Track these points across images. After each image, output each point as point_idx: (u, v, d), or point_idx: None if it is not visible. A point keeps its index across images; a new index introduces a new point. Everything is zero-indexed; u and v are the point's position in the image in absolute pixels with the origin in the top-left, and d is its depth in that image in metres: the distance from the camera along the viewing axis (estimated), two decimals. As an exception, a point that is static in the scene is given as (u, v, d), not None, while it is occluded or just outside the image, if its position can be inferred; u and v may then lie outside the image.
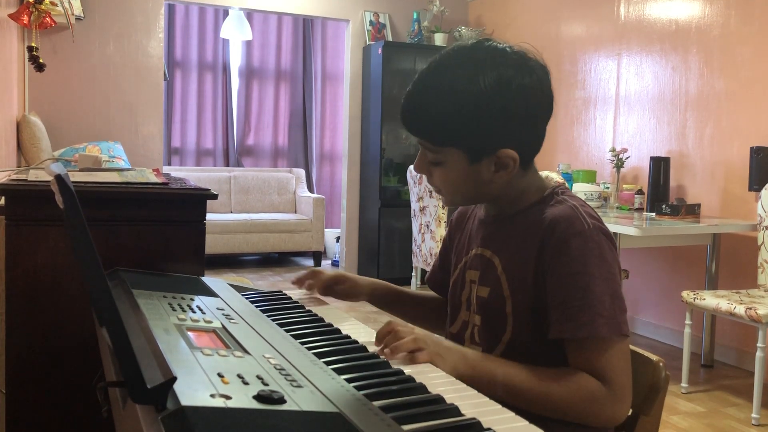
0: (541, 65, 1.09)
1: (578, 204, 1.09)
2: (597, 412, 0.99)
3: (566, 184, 1.23)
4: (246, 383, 0.72)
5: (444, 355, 0.98)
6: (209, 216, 2.07)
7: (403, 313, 1.41)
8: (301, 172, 7.09)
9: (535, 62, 1.08)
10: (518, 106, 1.05)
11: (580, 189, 4.09)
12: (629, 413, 1.09)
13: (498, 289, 1.11)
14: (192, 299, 1.17)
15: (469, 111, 1.04)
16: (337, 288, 1.37)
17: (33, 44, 3.36)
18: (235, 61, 7.01)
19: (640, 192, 4.10)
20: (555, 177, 3.95)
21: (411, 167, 4.66)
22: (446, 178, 1.12)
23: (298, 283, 1.41)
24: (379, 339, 1.00)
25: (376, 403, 0.74)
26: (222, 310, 1.12)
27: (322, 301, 1.36)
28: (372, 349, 0.97)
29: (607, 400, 0.98)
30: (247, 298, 1.27)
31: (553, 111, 1.11)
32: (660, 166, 3.99)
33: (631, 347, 1.10)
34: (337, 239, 6.48)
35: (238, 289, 1.36)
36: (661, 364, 1.09)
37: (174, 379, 0.66)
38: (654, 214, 3.77)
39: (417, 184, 4.52)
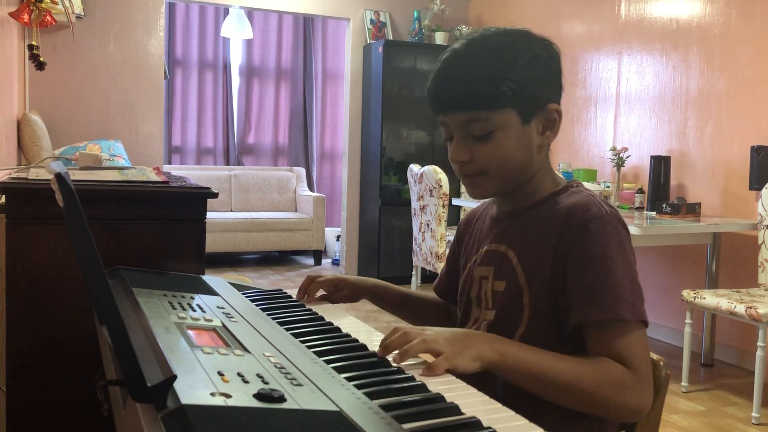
0: None
1: (594, 194, 1.11)
2: (625, 401, 0.96)
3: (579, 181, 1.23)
4: (246, 382, 0.72)
5: (462, 351, 0.92)
6: (210, 215, 2.07)
7: (405, 312, 1.40)
8: (302, 170, 7.09)
9: None
10: (558, 67, 1.12)
11: (580, 188, 4.09)
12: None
13: (514, 281, 1.10)
14: (192, 298, 1.17)
15: (524, 66, 1.07)
16: (337, 296, 1.34)
17: (33, 43, 3.36)
18: (236, 59, 7.01)
19: (640, 191, 4.10)
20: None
21: (411, 166, 4.66)
22: (498, 149, 1.08)
23: (305, 294, 1.34)
24: (385, 343, 0.93)
25: (377, 402, 0.74)
26: (222, 308, 1.12)
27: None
28: (372, 348, 0.97)
29: (635, 387, 0.96)
30: (247, 297, 1.27)
31: None
32: (660, 165, 3.99)
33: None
34: (338, 238, 6.48)
35: (239, 287, 1.36)
36: (661, 363, 1.09)
37: (174, 377, 0.66)
38: (654, 213, 3.77)
39: (417, 183, 4.51)
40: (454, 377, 0.88)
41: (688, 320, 3.20)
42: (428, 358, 0.93)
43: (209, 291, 1.26)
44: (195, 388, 0.67)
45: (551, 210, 1.10)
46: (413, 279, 5.17)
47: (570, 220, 1.05)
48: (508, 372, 0.96)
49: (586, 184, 4.10)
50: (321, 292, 1.35)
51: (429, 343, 0.92)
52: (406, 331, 0.93)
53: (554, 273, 1.05)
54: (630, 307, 0.99)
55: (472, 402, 0.79)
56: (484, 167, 1.10)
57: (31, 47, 3.36)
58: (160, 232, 1.54)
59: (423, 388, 0.82)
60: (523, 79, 1.06)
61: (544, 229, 1.09)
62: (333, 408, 0.70)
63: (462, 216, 4.41)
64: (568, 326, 1.03)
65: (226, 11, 6.59)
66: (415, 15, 5.82)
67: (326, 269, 6.40)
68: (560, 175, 1.20)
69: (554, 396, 0.97)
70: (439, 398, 0.78)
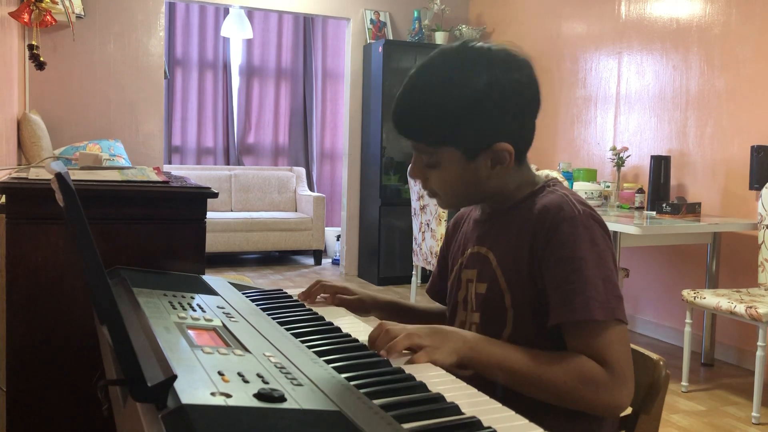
0: (526, 60, 1.11)
1: (568, 193, 1.10)
2: (597, 397, 0.97)
3: (558, 179, 1.22)
4: (246, 381, 0.72)
5: (441, 345, 0.97)
6: (210, 214, 2.07)
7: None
8: (302, 170, 7.09)
9: (520, 58, 1.10)
10: (511, 100, 1.07)
11: (580, 188, 4.09)
12: (629, 407, 1.09)
13: (495, 284, 1.11)
14: (192, 297, 1.17)
15: (463, 108, 1.05)
16: (346, 298, 1.32)
17: (34, 42, 3.36)
18: (236, 59, 7.00)
19: (640, 191, 4.10)
20: (556, 176, 3.95)
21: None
22: (444, 180, 1.11)
23: (308, 296, 1.32)
24: (372, 341, 0.98)
25: (377, 402, 0.74)
26: (222, 308, 1.12)
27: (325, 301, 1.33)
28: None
29: (608, 385, 0.97)
30: (247, 297, 1.27)
31: (540, 103, 1.12)
32: (660, 164, 3.99)
33: (632, 346, 1.10)
34: (338, 238, 6.48)
35: (239, 287, 1.36)
36: (661, 362, 1.09)
37: (174, 377, 0.66)
38: (654, 212, 3.77)
39: (417, 183, 4.52)
40: (454, 377, 0.88)
41: (688, 320, 3.20)
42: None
43: (209, 291, 1.27)
44: (195, 388, 0.67)
45: (527, 211, 1.10)
46: (413, 279, 5.17)
47: (542, 221, 1.06)
48: (480, 366, 1.00)
49: (587, 184, 4.11)
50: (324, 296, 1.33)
51: (412, 338, 0.97)
52: (389, 328, 0.98)
53: (532, 274, 1.07)
54: (602, 306, 0.99)
55: (472, 402, 0.79)
56: (435, 190, 1.14)
57: (31, 47, 3.37)
58: (160, 232, 1.54)
59: (423, 388, 0.82)
60: (465, 117, 1.05)
61: (519, 230, 1.10)
62: (333, 408, 0.70)
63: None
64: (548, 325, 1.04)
65: (226, 11, 6.59)
66: (415, 15, 5.82)
67: (326, 269, 6.40)
68: (539, 174, 1.19)
69: (526, 390, 1.00)
70: (439, 398, 0.78)
